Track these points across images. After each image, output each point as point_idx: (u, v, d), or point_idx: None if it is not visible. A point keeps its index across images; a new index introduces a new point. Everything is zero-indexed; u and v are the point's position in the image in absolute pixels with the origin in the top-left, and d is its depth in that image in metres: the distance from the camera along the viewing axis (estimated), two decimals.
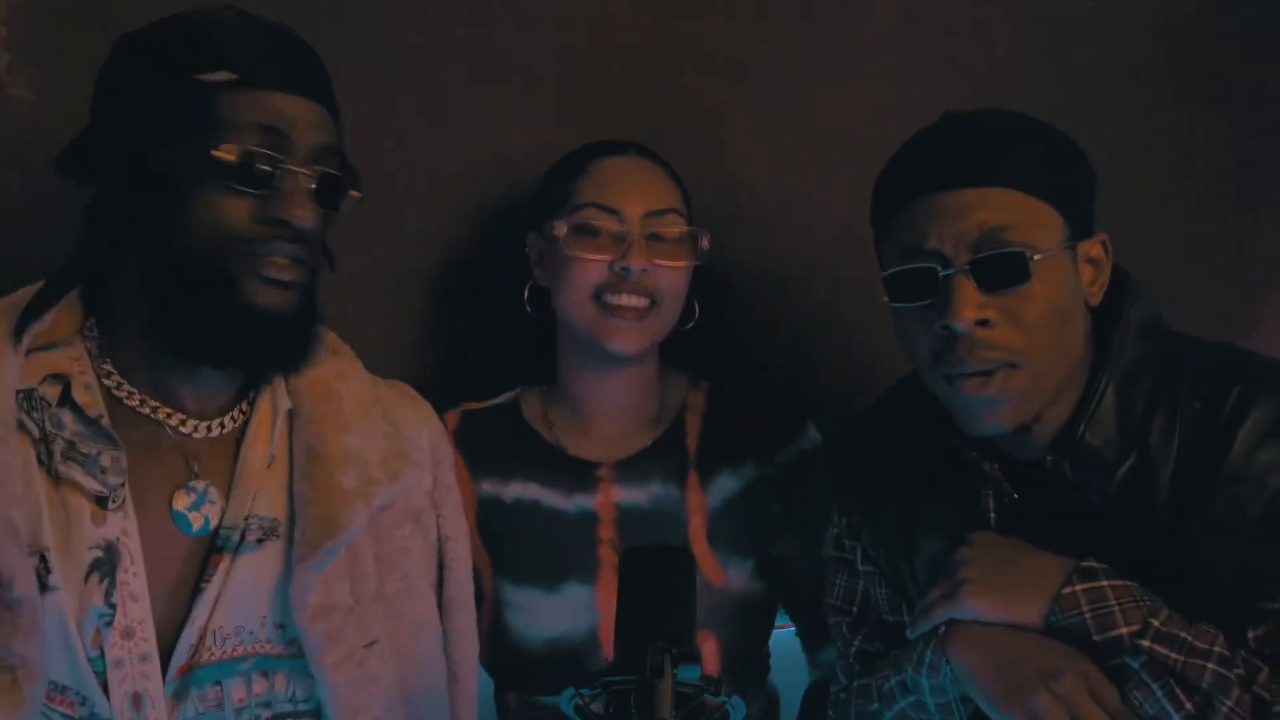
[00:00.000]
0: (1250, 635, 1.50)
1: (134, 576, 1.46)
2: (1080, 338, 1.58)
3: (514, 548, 1.89)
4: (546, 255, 1.90)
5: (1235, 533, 1.51)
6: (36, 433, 1.46)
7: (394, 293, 2.04)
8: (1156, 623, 1.48)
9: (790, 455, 1.94)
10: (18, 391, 1.46)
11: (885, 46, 2.12)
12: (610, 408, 1.93)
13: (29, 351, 1.48)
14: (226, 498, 1.53)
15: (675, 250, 1.86)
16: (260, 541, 1.53)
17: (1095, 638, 1.49)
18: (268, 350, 1.51)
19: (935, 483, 1.69)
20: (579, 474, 1.91)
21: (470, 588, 1.74)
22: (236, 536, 1.52)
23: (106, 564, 1.45)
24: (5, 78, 1.95)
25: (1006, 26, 2.12)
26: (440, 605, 1.71)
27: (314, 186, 1.48)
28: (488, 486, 1.91)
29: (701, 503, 1.90)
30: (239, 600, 1.51)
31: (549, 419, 1.95)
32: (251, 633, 1.52)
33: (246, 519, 1.53)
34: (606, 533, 1.89)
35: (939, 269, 1.53)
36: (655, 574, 1.39)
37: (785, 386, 2.02)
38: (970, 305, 1.52)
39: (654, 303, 1.84)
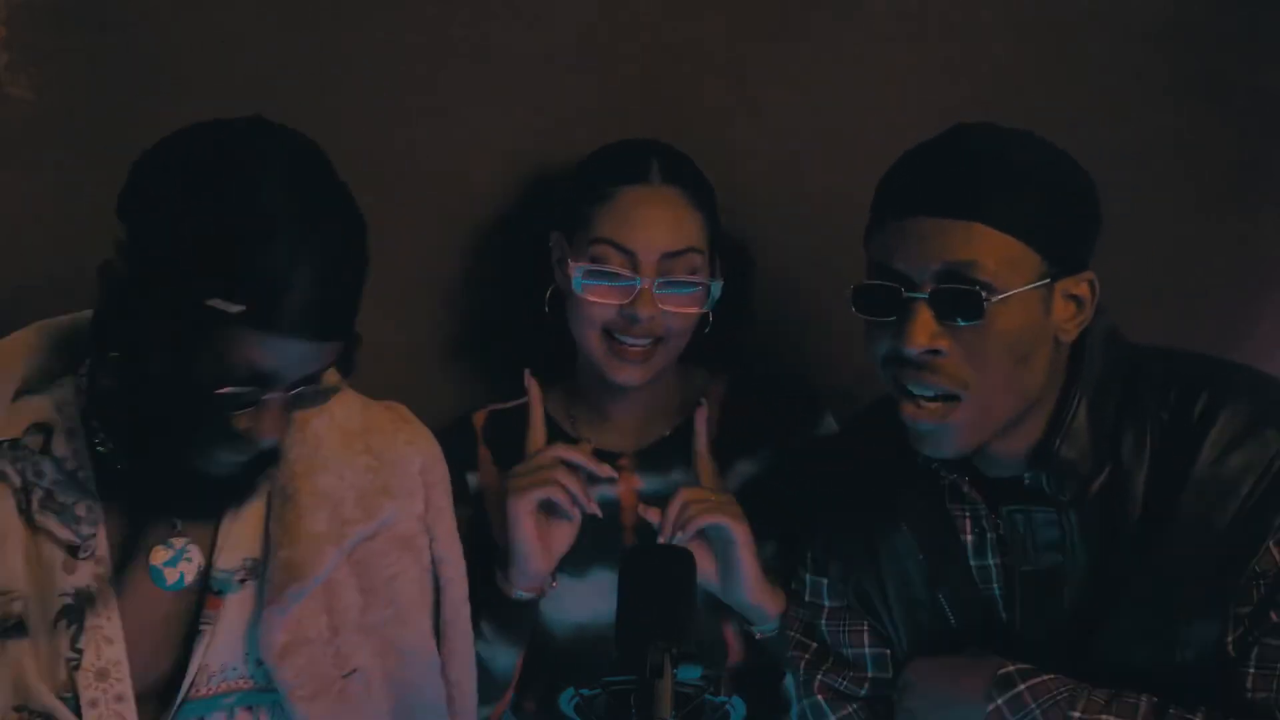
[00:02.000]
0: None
1: (107, 620, 1.50)
2: (1041, 373, 1.58)
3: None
4: (563, 263, 1.92)
5: (1210, 537, 1.54)
6: (18, 482, 1.50)
7: (394, 293, 2.04)
8: (1076, 714, 1.55)
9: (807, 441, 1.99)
10: (1, 441, 1.51)
11: (885, 47, 2.11)
12: (628, 404, 1.98)
13: (15, 395, 1.52)
14: (211, 548, 1.56)
15: (687, 297, 1.88)
16: (243, 582, 1.58)
17: None
18: (213, 502, 1.55)
19: (908, 506, 1.71)
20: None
21: (466, 610, 1.75)
22: (234, 580, 1.57)
23: (75, 610, 1.49)
24: (5, 78, 1.95)
25: (1006, 27, 2.11)
26: (437, 628, 1.72)
27: (287, 402, 1.46)
28: None
29: (720, 488, 1.93)
30: (226, 638, 1.56)
31: (571, 414, 2.01)
32: (235, 668, 1.56)
33: (243, 561, 1.57)
34: (629, 519, 1.95)
35: (903, 290, 1.53)
36: (656, 574, 1.40)
37: (802, 378, 2.06)
38: (925, 333, 1.52)
39: (660, 340, 1.88)
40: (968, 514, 1.68)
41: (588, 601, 1.91)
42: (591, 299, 1.87)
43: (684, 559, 1.43)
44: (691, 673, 1.31)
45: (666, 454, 1.97)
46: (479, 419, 2.01)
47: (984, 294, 1.50)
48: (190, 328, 1.38)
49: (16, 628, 1.48)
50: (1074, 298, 1.58)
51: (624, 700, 1.31)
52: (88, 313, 1.56)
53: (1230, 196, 2.16)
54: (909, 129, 1.67)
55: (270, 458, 1.54)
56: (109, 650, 1.49)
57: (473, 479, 1.97)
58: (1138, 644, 1.59)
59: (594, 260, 1.87)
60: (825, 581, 1.81)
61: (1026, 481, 1.61)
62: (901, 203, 1.55)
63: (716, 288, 1.91)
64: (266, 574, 1.56)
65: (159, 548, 1.55)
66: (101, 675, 1.49)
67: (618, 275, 1.86)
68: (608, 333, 1.88)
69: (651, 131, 1.97)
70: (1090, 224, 1.59)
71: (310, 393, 1.48)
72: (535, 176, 2.07)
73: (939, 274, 1.51)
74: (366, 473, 1.64)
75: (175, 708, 1.53)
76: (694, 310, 1.89)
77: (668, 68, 2.09)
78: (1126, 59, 2.14)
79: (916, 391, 1.55)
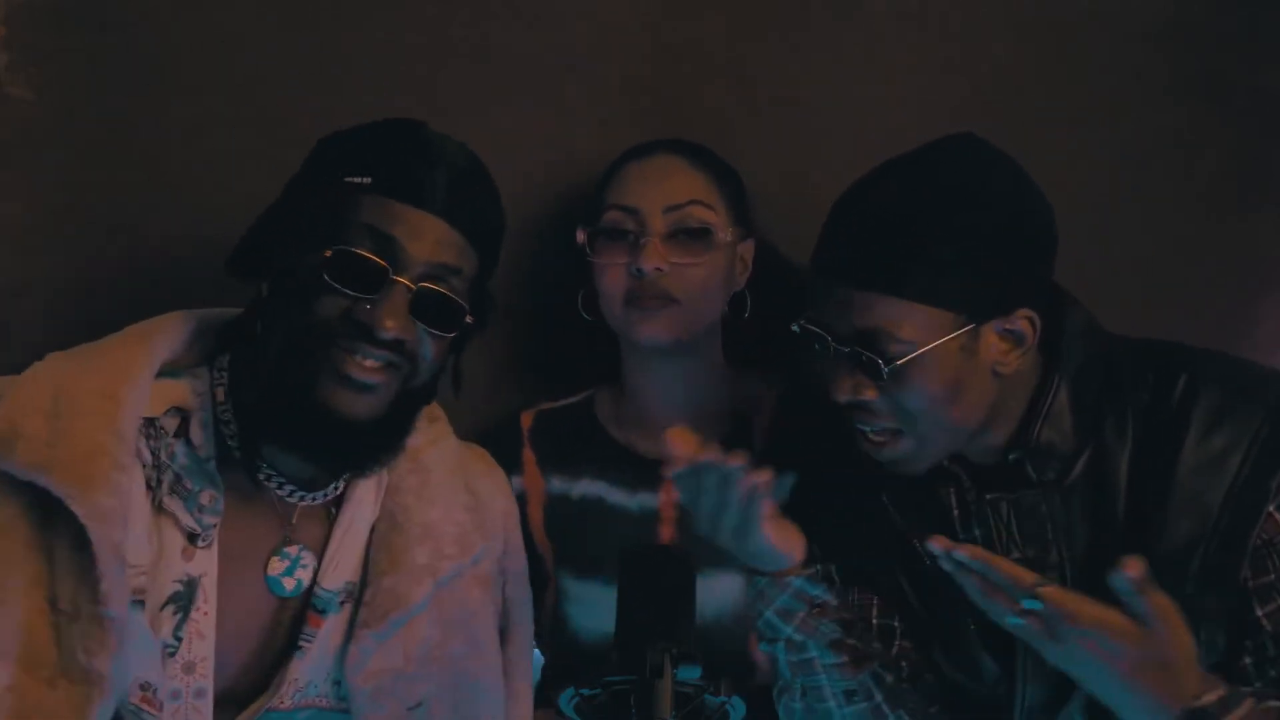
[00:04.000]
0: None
1: (204, 615, 1.51)
2: (979, 405, 1.60)
3: (578, 542, 1.94)
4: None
5: (1201, 515, 1.58)
6: (150, 460, 1.51)
7: None
8: None
9: None
10: (142, 419, 1.51)
11: (885, 47, 2.11)
12: (672, 404, 1.96)
13: (156, 375, 1.54)
14: (319, 560, 1.58)
15: (697, 247, 1.88)
16: (343, 604, 1.59)
17: None
18: (339, 452, 1.54)
19: (895, 492, 1.72)
20: (644, 472, 1.95)
21: (531, 654, 1.76)
22: (337, 601, 1.58)
23: (184, 598, 1.51)
24: (5, 78, 1.95)
25: (1006, 27, 2.11)
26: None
27: (410, 300, 1.50)
28: (557, 483, 1.97)
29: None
30: (319, 656, 1.57)
31: (619, 418, 2.00)
32: (315, 686, 1.58)
33: (345, 584, 1.59)
34: (668, 531, 1.93)
35: (830, 341, 1.58)
36: (655, 574, 1.40)
37: None
38: (846, 388, 1.59)
39: (676, 301, 1.87)
40: (953, 489, 1.69)
41: None
42: (602, 261, 1.89)
43: (683, 559, 1.43)
44: (691, 673, 1.31)
45: None
46: (526, 420, 2.01)
47: (885, 359, 1.54)
48: (329, 213, 1.47)
49: (139, 602, 1.49)
50: (1010, 333, 1.59)
51: (624, 700, 1.31)
52: (229, 310, 1.60)
53: (1230, 196, 2.16)
54: (908, 129, 1.68)
55: (398, 421, 1.55)
56: (200, 645, 1.50)
57: (516, 482, 1.95)
58: None
59: (600, 225, 1.89)
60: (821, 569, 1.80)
61: (1010, 460, 1.63)
62: (819, 265, 1.61)
63: (733, 240, 1.91)
64: (365, 598, 1.58)
65: (275, 558, 1.56)
66: (189, 668, 1.50)
67: (623, 232, 1.87)
68: (627, 302, 1.88)
69: (651, 132, 1.97)
70: (1030, 262, 1.60)
71: (430, 294, 1.50)
72: (534, 176, 2.07)
73: (850, 336, 1.56)
74: (466, 511, 1.66)
75: (257, 714, 1.53)
76: (705, 260, 1.87)
77: (667, 68, 2.09)
78: (1126, 59, 2.13)
79: (860, 427, 1.61)
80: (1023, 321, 1.58)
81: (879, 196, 1.60)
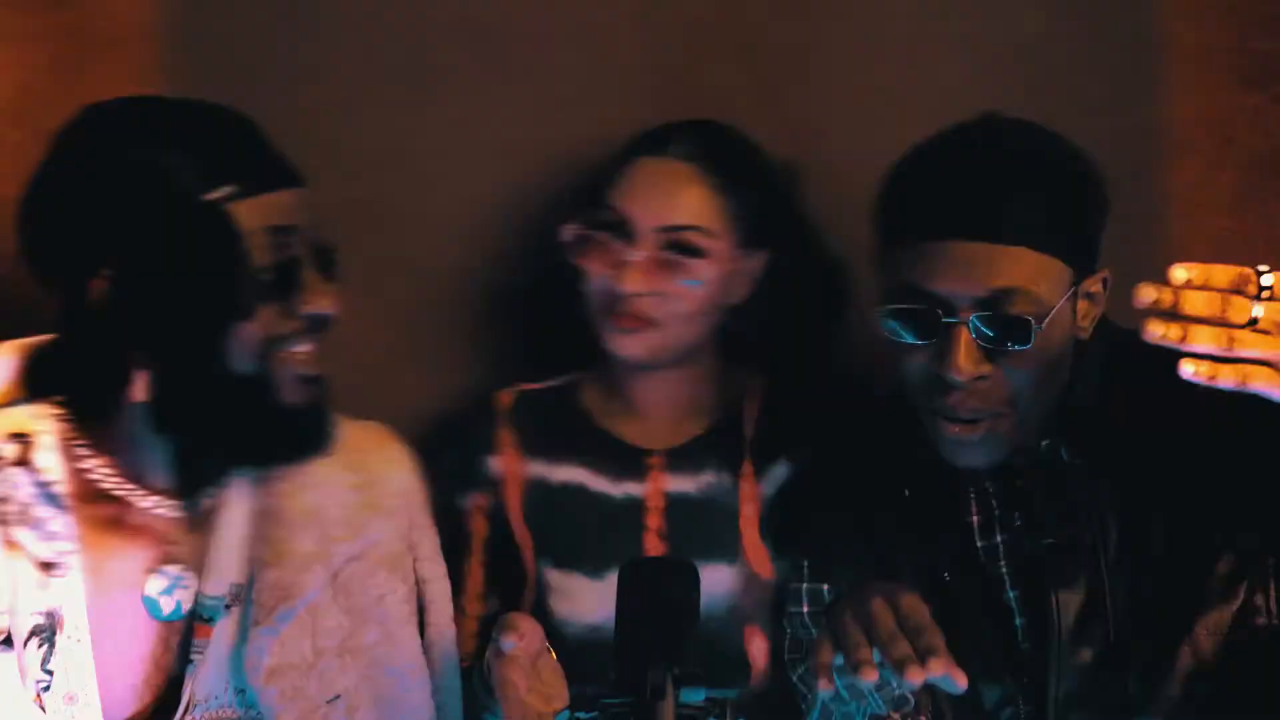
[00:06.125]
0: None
1: (78, 644, 1.47)
2: (1067, 370, 1.59)
3: (558, 531, 1.91)
4: None
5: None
6: None
7: (399, 283, 2.05)
8: None
9: None
10: None
11: (904, 31, 2.08)
12: (660, 398, 1.93)
13: None
14: (200, 572, 1.54)
15: (683, 274, 1.82)
16: (229, 607, 1.55)
17: None
18: (302, 446, 1.53)
19: (910, 496, 1.68)
20: (629, 461, 1.92)
21: (451, 631, 1.72)
22: (222, 606, 1.54)
23: (47, 630, 1.46)
24: None
25: (1028, 10, 2.07)
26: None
27: (321, 269, 1.49)
28: (536, 467, 1.93)
29: (755, 491, 1.89)
30: (213, 667, 1.53)
31: (604, 404, 1.96)
32: (217, 698, 1.53)
33: (230, 587, 1.55)
34: (654, 521, 1.90)
35: (941, 315, 1.51)
36: (657, 588, 1.36)
37: (842, 381, 2.01)
38: (970, 360, 1.51)
39: (653, 324, 1.82)
40: (973, 494, 1.66)
41: (603, 604, 1.85)
42: (585, 265, 1.84)
43: (687, 571, 1.39)
44: (695, 695, 1.28)
45: (700, 453, 1.92)
46: (504, 399, 1.97)
47: (1033, 320, 1.49)
48: (212, 252, 1.41)
49: (5, 641, 1.45)
50: (1090, 295, 1.58)
51: None
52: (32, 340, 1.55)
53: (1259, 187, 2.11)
54: (927, 114, 1.66)
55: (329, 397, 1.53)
56: (78, 675, 1.47)
57: (493, 463, 1.93)
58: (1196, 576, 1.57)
59: (589, 226, 1.83)
60: (825, 586, 1.76)
61: (1044, 446, 1.60)
62: (938, 225, 1.52)
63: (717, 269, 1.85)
64: (252, 595, 1.54)
65: (152, 576, 1.52)
66: (71, 699, 1.47)
67: (612, 240, 1.82)
68: (603, 309, 1.84)
69: (656, 117, 1.93)
70: (1103, 219, 1.59)
71: (323, 250, 1.50)
72: (533, 165, 2.05)
73: (984, 300, 1.50)
74: (351, 490, 1.62)
75: None
76: (687, 291, 1.82)
77: (674, 51, 2.06)
78: (1156, 37, 2.09)
79: (956, 416, 1.55)
80: (1099, 283, 1.58)
81: (981, 149, 1.56)
